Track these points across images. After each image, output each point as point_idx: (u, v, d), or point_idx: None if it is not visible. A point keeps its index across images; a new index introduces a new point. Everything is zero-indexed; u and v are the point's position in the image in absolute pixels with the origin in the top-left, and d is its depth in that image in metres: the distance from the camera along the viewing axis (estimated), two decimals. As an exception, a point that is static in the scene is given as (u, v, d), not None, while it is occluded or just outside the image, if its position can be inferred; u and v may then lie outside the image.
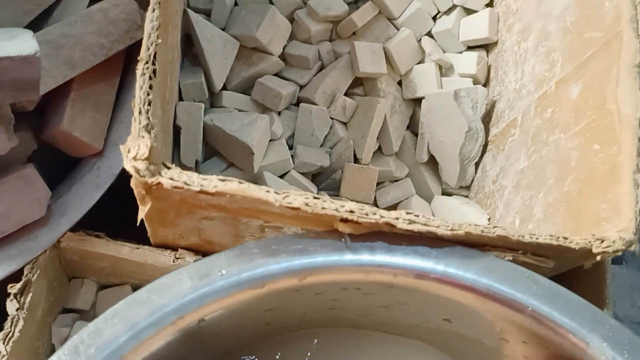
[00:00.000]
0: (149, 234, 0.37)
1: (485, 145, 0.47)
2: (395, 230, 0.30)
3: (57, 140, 0.38)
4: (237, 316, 0.30)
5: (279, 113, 0.47)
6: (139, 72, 0.29)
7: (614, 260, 0.44)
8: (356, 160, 0.47)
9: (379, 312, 0.32)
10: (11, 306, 0.36)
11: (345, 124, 0.48)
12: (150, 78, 0.30)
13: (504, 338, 0.30)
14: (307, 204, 0.29)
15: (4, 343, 0.35)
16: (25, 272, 0.37)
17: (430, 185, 0.47)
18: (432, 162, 0.48)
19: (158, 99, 0.31)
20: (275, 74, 0.48)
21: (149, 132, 0.29)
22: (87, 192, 0.38)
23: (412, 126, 0.49)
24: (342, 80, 0.47)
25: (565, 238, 0.29)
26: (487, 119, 0.47)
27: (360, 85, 0.49)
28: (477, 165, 0.47)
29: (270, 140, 0.46)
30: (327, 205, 0.29)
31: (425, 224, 0.29)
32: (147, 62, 0.30)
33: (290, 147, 0.47)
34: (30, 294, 0.36)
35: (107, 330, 0.27)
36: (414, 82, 0.48)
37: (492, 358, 0.32)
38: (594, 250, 0.29)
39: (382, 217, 0.29)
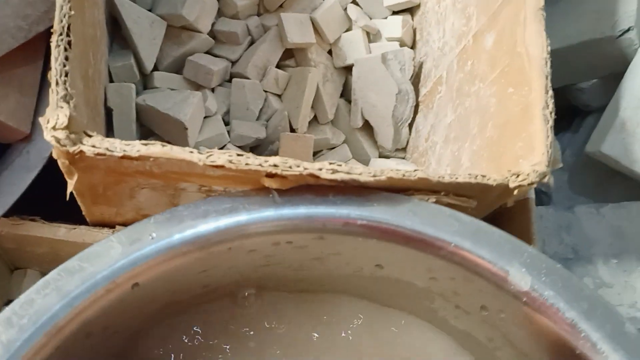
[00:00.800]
0: (84, 213, 0.37)
1: (416, 107, 0.48)
2: (321, 182, 0.31)
3: (-17, 126, 0.37)
4: (172, 279, 0.30)
5: (213, 90, 0.47)
6: (53, 44, 0.29)
7: (541, 202, 0.46)
8: (292, 130, 0.48)
9: (313, 265, 0.33)
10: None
11: (279, 96, 0.48)
12: (65, 50, 0.30)
13: (433, 277, 0.32)
14: (230, 161, 0.29)
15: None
16: (-41, 262, 0.36)
17: (367, 150, 0.48)
18: (368, 127, 0.49)
19: (77, 72, 0.31)
20: (206, 52, 0.48)
21: (68, 103, 0.29)
22: (18, 177, 0.37)
23: (346, 94, 0.50)
24: (272, 52, 0.48)
25: (484, 176, 0.31)
26: (416, 80, 0.48)
27: (291, 57, 0.49)
28: (410, 126, 0.48)
29: (205, 117, 0.46)
30: (251, 160, 0.29)
31: (347, 172, 0.30)
32: (60, 34, 0.30)
33: (227, 124, 0.47)
34: (-33, 283, 0.36)
35: (39, 300, 0.27)
36: (343, 50, 0.49)
37: (425, 298, 0.33)
38: (511, 185, 0.30)
39: (305, 169, 0.30)
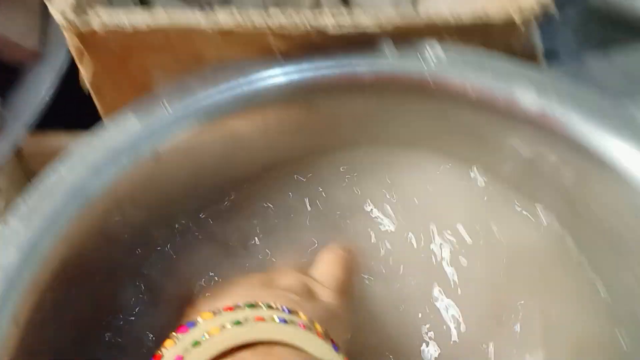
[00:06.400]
0: (102, 116, 0.37)
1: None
2: (327, 42, 0.31)
3: (-6, 48, 0.39)
4: (193, 153, 0.31)
5: None
6: None
7: (547, 55, 0.45)
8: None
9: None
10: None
11: None
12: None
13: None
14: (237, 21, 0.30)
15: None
16: (-10, 178, 0.37)
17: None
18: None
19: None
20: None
21: (73, -15, 0.29)
22: (35, 94, 0.38)
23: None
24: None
25: (487, 14, 0.31)
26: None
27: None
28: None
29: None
30: (256, 18, 0.30)
31: (354, 25, 0.30)
32: None
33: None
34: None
35: (64, 171, 0.28)
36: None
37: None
38: (515, 19, 0.31)
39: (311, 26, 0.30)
